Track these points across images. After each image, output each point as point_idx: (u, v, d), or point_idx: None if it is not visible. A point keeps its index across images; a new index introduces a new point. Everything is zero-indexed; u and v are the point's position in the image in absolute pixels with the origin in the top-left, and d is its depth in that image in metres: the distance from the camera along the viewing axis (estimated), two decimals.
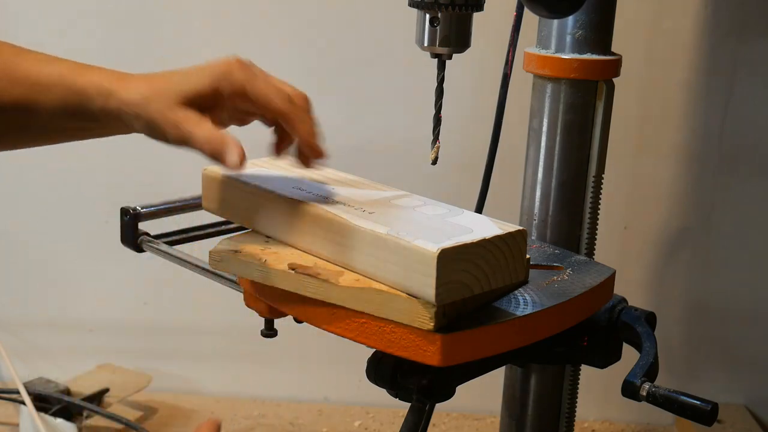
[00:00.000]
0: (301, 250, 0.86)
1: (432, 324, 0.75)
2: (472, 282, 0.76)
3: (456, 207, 0.87)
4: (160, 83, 0.82)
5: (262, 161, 0.97)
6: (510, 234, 0.79)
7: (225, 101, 0.84)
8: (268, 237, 0.90)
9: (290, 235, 0.88)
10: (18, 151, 1.21)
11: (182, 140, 0.81)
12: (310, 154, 0.85)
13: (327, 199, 0.87)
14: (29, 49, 0.87)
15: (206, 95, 0.82)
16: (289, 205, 0.87)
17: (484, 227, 0.80)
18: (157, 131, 0.82)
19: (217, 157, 0.80)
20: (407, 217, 0.83)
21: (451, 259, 0.74)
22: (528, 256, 0.87)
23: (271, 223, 0.90)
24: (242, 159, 0.80)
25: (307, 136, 0.84)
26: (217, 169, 0.93)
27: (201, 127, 0.80)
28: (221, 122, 0.86)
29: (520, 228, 0.80)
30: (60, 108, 0.84)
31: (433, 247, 0.74)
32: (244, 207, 0.92)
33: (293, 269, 0.82)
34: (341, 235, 0.82)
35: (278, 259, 0.84)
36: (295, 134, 0.85)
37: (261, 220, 0.91)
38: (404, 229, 0.78)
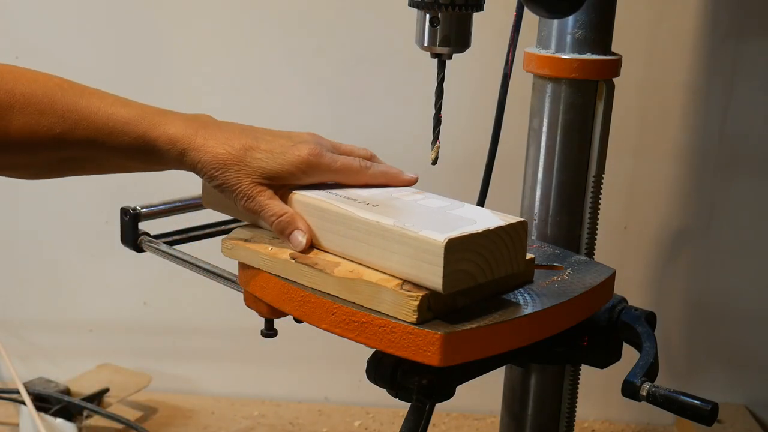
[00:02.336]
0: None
1: (414, 317, 0.76)
2: (476, 271, 0.78)
3: (457, 200, 0.89)
4: (242, 151, 0.85)
5: None
6: (512, 225, 0.81)
7: (304, 181, 0.88)
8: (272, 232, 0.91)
9: None
10: None
11: (253, 211, 0.87)
12: (412, 183, 0.94)
13: (331, 193, 0.88)
14: (95, 88, 0.87)
15: (285, 177, 0.87)
16: (293, 200, 0.88)
17: (486, 218, 0.82)
18: (227, 194, 0.86)
19: (283, 233, 0.87)
20: (410, 209, 0.85)
21: (457, 249, 0.76)
22: (533, 255, 0.87)
23: None
24: (308, 242, 0.86)
25: (398, 179, 0.93)
26: None
27: (273, 202, 0.86)
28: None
29: (521, 219, 0.82)
30: (125, 151, 0.85)
31: (440, 237, 0.75)
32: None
33: (294, 258, 0.85)
34: (347, 227, 0.83)
35: (282, 250, 0.87)
36: (386, 183, 0.92)
37: None
38: (410, 220, 0.80)
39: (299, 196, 0.88)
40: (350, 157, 0.91)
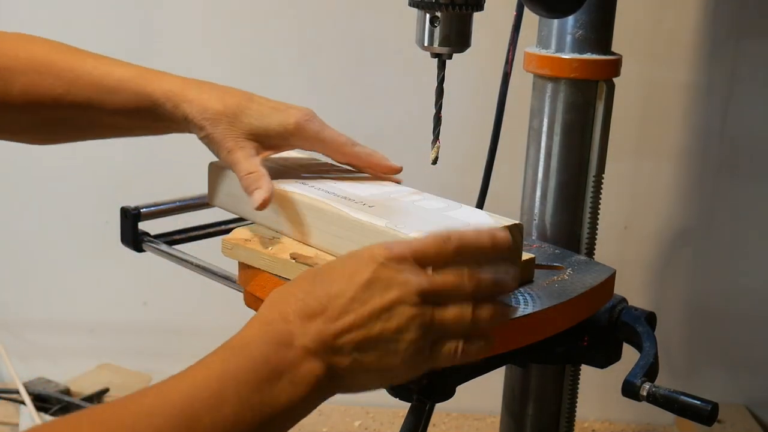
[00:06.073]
0: (303, 243, 0.88)
1: None
2: None
3: (454, 201, 0.89)
4: (235, 107, 0.88)
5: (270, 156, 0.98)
6: (506, 228, 0.80)
7: (290, 145, 0.91)
8: (273, 230, 0.91)
9: (292, 228, 0.89)
10: (17, 152, 1.22)
11: (228, 164, 0.89)
12: (388, 174, 0.95)
13: (330, 193, 0.89)
14: (92, 52, 0.90)
15: (273, 137, 0.89)
16: (293, 199, 0.88)
17: (480, 221, 0.82)
18: (213, 145, 0.89)
19: (247, 189, 0.88)
20: (406, 210, 0.85)
21: None
22: (533, 255, 0.87)
23: (274, 217, 0.91)
24: (265, 203, 0.86)
25: (379, 167, 0.95)
26: (223, 163, 0.95)
27: (249, 159, 0.88)
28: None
29: (517, 222, 0.82)
30: (125, 109, 0.88)
31: None
32: (248, 201, 0.92)
33: (294, 258, 0.85)
34: (341, 227, 0.83)
35: (282, 249, 0.87)
36: (367, 169, 0.95)
37: (265, 213, 0.92)
38: (402, 221, 0.80)
39: (297, 195, 0.88)
40: (337, 132, 0.93)
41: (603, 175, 1.08)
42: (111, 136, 0.95)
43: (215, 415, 0.62)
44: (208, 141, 0.89)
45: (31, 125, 0.90)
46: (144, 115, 0.88)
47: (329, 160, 1.00)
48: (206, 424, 0.62)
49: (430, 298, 0.67)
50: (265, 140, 0.89)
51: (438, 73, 0.95)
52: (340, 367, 0.66)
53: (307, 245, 0.88)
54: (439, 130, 0.97)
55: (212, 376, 0.65)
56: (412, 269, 0.67)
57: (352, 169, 0.98)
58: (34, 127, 0.91)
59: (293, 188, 0.90)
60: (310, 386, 0.65)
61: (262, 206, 0.86)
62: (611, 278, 0.93)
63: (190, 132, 0.89)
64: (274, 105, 0.90)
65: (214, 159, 0.94)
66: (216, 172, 0.97)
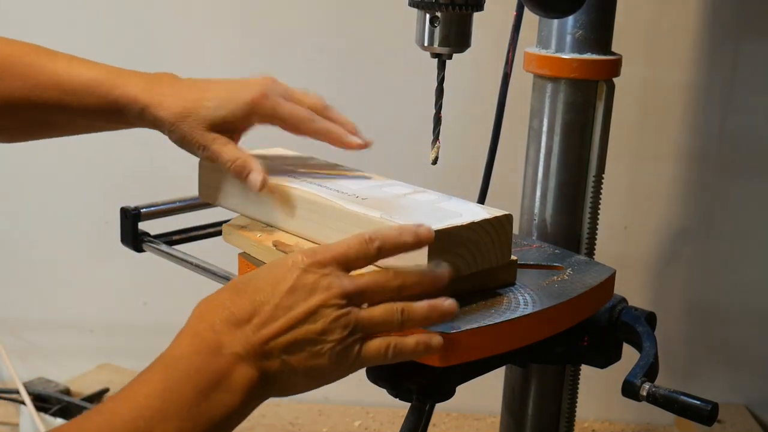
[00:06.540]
0: (295, 236, 0.89)
1: None
2: (460, 263, 0.79)
3: (444, 194, 0.90)
4: (193, 103, 0.88)
5: (258, 151, 0.98)
6: (497, 218, 0.82)
7: (252, 123, 0.91)
8: (265, 224, 0.93)
9: (285, 221, 0.90)
10: (17, 153, 1.22)
11: (210, 158, 0.90)
12: (353, 149, 0.92)
13: (322, 186, 0.89)
14: (62, 52, 0.91)
15: (234, 122, 0.89)
16: (284, 192, 0.89)
17: (472, 211, 0.83)
18: (186, 145, 0.89)
19: (239, 176, 0.88)
20: (398, 203, 0.86)
21: (441, 241, 0.76)
22: (515, 257, 0.87)
23: (267, 210, 0.92)
24: (264, 182, 0.87)
25: (340, 143, 0.92)
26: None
27: (227, 148, 0.88)
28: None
29: (507, 213, 0.83)
30: (91, 111, 0.89)
31: None
32: (240, 195, 0.94)
33: (275, 245, 0.86)
34: (335, 219, 0.84)
35: (270, 237, 0.89)
36: (328, 142, 0.93)
37: (258, 207, 0.93)
38: (396, 213, 0.81)
39: (289, 188, 0.89)
40: (299, 106, 0.91)
41: (603, 175, 1.08)
42: (85, 132, 0.96)
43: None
44: (181, 143, 0.90)
45: (6, 126, 0.92)
46: (114, 117, 0.90)
47: (317, 156, 1.00)
48: None
49: (356, 299, 0.70)
50: (228, 126, 0.89)
51: (438, 73, 0.95)
52: (271, 371, 0.69)
53: (298, 237, 0.88)
54: (439, 130, 0.97)
55: (153, 393, 0.68)
56: (336, 273, 0.70)
57: (338, 164, 0.99)
58: (10, 128, 0.92)
59: (284, 182, 0.91)
60: (244, 392, 0.68)
61: (261, 187, 0.87)
62: (611, 278, 0.94)
63: (162, 132, 0.90)
64: (230, 88, 0.89)
65: None
66: (205, 167, 0.98)
